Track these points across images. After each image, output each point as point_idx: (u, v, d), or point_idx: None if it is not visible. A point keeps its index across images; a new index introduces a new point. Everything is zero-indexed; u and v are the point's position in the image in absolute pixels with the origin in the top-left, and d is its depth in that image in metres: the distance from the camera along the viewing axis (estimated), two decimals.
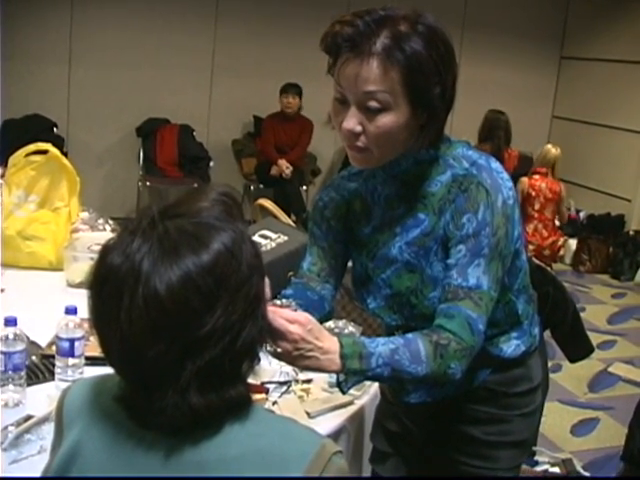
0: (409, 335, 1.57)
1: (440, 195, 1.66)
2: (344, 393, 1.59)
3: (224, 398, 1.13)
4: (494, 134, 6.73)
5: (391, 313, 1.78)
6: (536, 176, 6.79)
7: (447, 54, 1.58)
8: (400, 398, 1.90)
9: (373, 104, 1.54)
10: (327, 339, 1.48)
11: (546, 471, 3.17)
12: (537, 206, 6.75)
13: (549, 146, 6.85)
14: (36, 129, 6.79)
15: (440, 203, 1.66)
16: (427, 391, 1.84)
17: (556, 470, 3.26)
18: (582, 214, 8.28)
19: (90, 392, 1.25)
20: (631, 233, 7.78)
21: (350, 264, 1.90)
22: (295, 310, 1.50)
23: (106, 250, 1.14)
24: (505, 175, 1.65)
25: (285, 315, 1.44)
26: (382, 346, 1.51)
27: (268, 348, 1.43)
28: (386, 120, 1.55)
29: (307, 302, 1.75)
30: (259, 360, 1.20)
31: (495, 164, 1.67)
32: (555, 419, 4.34)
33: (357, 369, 1.49)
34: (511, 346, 1.80)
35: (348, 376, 1.52)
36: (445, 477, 1.91)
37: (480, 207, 1.59)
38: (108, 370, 1.19)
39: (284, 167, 7.32)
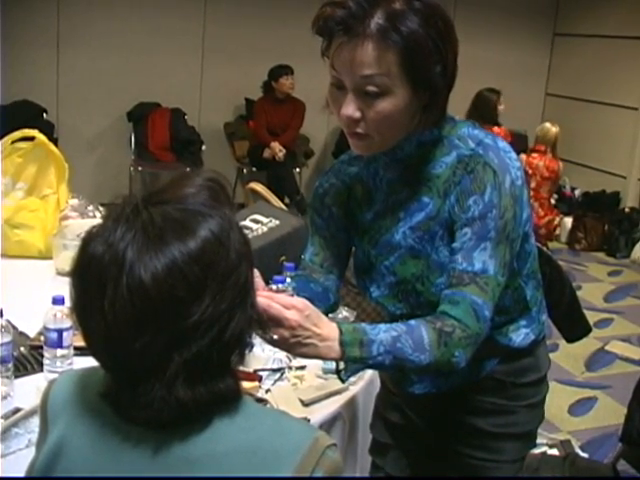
0: (412, 322, 1.51)
1: (445, 177, 1.60)
2: (343, 382, 1.53)
3: (212, 391, 1.10)
4: (472, 110, 6.65)
5: (396, 302, 1.73)
6: (534, 154, 6.78)
7: (446, 30, 1.52)
8: (403, 388, 1.85)
9: (371, 88, 1.48)
10: (326, 325, 1.43)
11: (544, 453, 3.16)
12: (533, 184, 6.74)
13: (548, 125, 6.82)
14: (25, 115, 6.72)
15: (445, 185, 1.60)
16: (432, 381, 1.79)
17: (554, 452, 3.25)
18: (577, 192, 8.27)
19: (75, 386, 1.22)
20: (627, 210, 7.77)
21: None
22: (292, 295, 1.45)
23: (88, 239, 1.10)
24: (513, 155, 1.59)
25: (281, 301, 1.38)
26: (384, 333, 1.46)
27: (264, 335, 1.38)
28: (386, 104, 1.50)
29: (311, 294, 1.69)
30: (252, 348, 1.17)
31: (502, 143, 1.61)
32: (553, 399, 4.28)
33: (357, 357, 1.43)
34: (520, 335, 1.76)
35: (348, 364, 1.46)
36: (444, 478, 1.88)
37: (487, 188, 1.53)
38: (96, 362, 1.15)
39: (277, 150, 7.27)
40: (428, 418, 1.88)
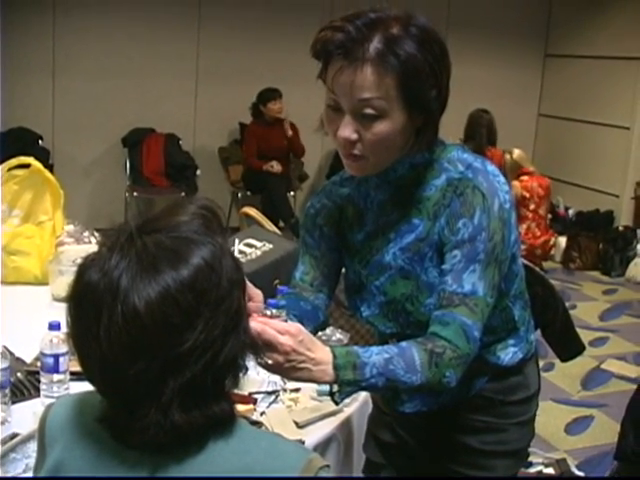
0: (403, 344, 1.53)
1: (435, 200, 1.63)
2: (337, 404, 1.54)
3: (207, 415, 1.12)
4: (476, 132, 6.73)
5: (386, 321, 1.75)
6: (525, 177, 6.84)
7: (442, 54, 1.56)
8: (394, 408, 1.86)
9: (369, 111, 1.52)
10: (319, 350, 1.45)
11: (540, 472, 3.16)
12: (532, 206, 6.80)
13: (509, 156, 6.87)
14: (21, 142, 6.76)
15: (435, 208, 1.63)
16: (422, 400, 1.81)
17: (550, 471, 3.25)
18: (571, 211, 8.29)
19: (72, 410, 1.24)
20: (620, 229, 7.78)
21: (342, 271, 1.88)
22: (286, 321, 1.47)
23: (83, 267, 1.12)
24: (502, 178, 1.63)
25: (276, 326, 1.40)
26: (376, 355, 1.48)
27: (258, 360, 1.40)
28: (382, 127, 1.53)
29: (301, 312, 1.73)
30: (246, 371, 1.19)
31: (491, 167, 1.64)
32: (549, 418, 4.33)
33: (351, 380, 1.45)
34: (508, 354, 1.78)
35: (342, 387, 1.47)
36: (441, 477, 1.88)
37: (476, 211, 1.56)
38: (93, 387, 1.17)
39: (273, 165, 7.32)
40: (419, 437, 1.90)
